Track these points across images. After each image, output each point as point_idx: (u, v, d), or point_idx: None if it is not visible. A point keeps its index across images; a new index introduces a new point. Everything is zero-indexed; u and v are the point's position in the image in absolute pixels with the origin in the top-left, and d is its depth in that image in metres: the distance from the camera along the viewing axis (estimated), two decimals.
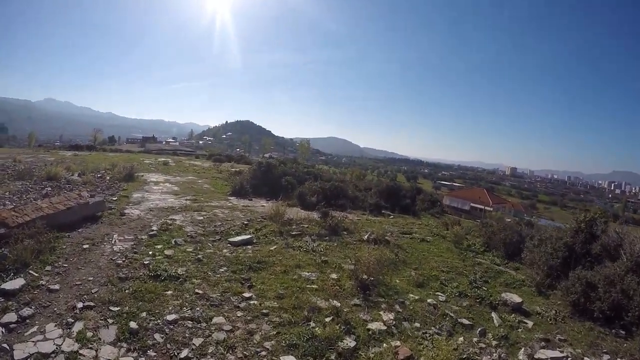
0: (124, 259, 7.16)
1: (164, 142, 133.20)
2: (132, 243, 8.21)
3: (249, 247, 8.91)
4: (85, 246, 7.66)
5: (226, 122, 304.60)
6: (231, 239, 9.12)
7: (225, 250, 8.43)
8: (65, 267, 6.57)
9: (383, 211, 17.58)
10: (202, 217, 10.81)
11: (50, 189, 13.62)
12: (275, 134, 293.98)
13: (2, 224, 7.46)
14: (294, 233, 10.26)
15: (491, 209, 47.12)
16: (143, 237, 8.65)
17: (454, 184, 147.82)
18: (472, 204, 58.94)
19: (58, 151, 31.23)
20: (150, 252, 7.73)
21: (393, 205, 19.32)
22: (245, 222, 10.73)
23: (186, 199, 13.28)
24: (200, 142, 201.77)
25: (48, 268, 6.40)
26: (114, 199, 12.28)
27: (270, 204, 13.72)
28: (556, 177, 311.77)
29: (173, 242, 8.49)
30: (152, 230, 9.11)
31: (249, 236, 9.42)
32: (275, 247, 9.01)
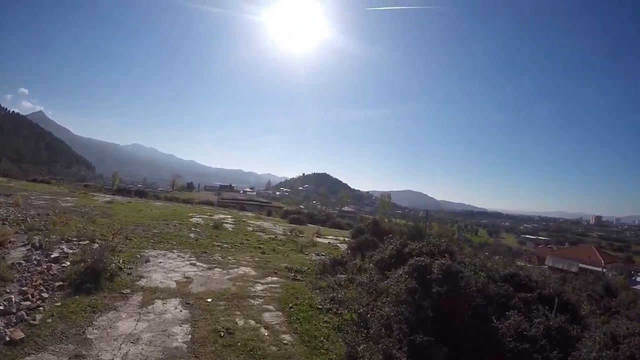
0: None
1: (241, 192, 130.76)
2: None
3: None
4: None
5: (303, 174, 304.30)
6: None
7: None
8: None
9: None
10: None
11: None
12: (352, 187, 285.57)
13: None
14: None
15: (603, 270, 44.94)
16: None
17: (539, 237, 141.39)
18: (581, 265, 51.55)
19: (94, 195, 24.01)
20: None
21: None
22: None
23: None
24: (277, 193, 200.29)
25: None
26: None
27: None
28: None
29: None
30: None
31: None
32: None
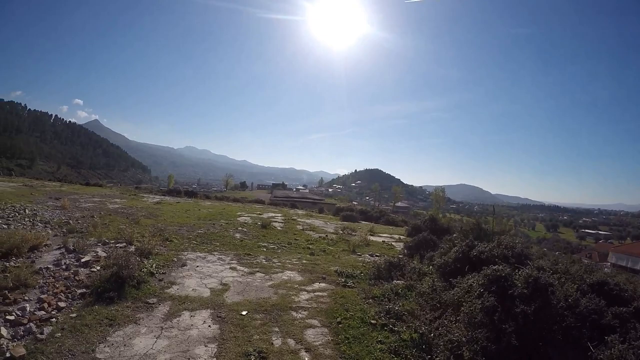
0: None
1: (293, 189, 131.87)
2: None
3: None
4: None
5: (355, 170, 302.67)
6: None
7: None
8: None
9: None
10: None
11: None
12: (404, 182, 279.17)
13: None
14: None
15: None
16: None
17: (599, 232, 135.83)
18: None
19: (144, 196, 24.40)
20: None
21: None
22: None
23: None
24: (330, 190, 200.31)
25: None
26: None
27: None
28: None
29: None
30: None
31: None
32: None
